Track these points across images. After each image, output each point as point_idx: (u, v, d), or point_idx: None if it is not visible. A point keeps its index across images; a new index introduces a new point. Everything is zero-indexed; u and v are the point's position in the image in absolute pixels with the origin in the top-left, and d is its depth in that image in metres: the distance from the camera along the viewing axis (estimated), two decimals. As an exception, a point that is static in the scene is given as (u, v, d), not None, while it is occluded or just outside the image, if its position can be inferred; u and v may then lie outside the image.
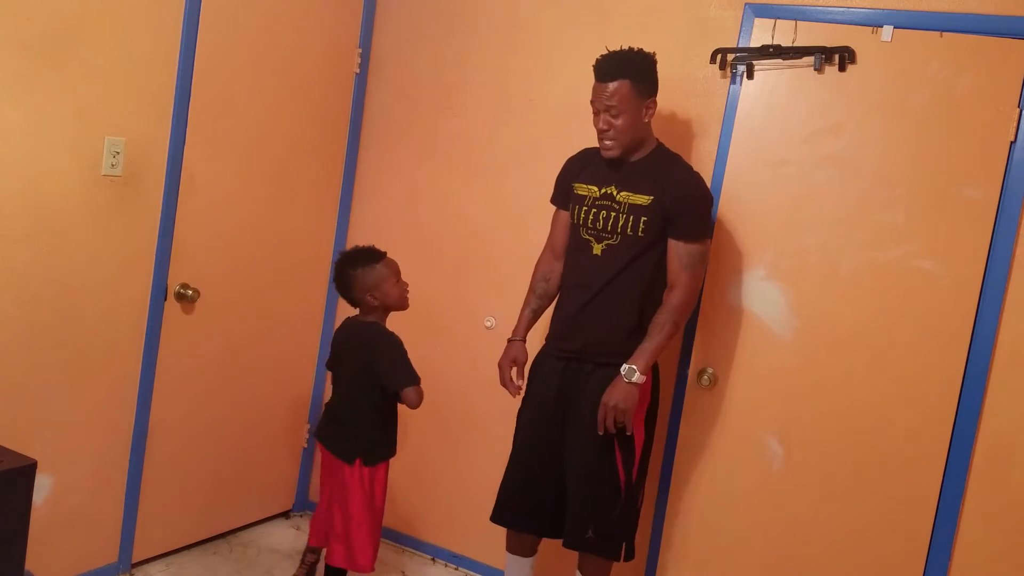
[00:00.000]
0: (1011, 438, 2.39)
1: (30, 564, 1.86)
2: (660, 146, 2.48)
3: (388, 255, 2.63)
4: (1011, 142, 2.36)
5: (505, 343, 2.64)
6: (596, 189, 2.46)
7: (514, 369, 2.59)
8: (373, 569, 2.61)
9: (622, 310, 2.41)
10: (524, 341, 2.61)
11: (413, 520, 3.34)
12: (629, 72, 2.34)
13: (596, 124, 2.42)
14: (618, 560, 2.47)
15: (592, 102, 2.42)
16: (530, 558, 2.67)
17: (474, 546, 3.17)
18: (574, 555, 2.59)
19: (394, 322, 3.21)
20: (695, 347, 2.72)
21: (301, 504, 3.50)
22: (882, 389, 2.51)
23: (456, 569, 3.23)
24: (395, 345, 2.56)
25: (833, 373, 2.56)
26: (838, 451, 2.56)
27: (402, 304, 2.62)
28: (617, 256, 2.40)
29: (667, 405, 2.83)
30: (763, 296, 2.63)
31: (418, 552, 3.31)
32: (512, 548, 2.67)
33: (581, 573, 2.56)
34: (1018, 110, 2.35)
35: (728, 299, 2.67)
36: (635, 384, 2.32)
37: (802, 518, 2.60)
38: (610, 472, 2.41)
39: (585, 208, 2.46)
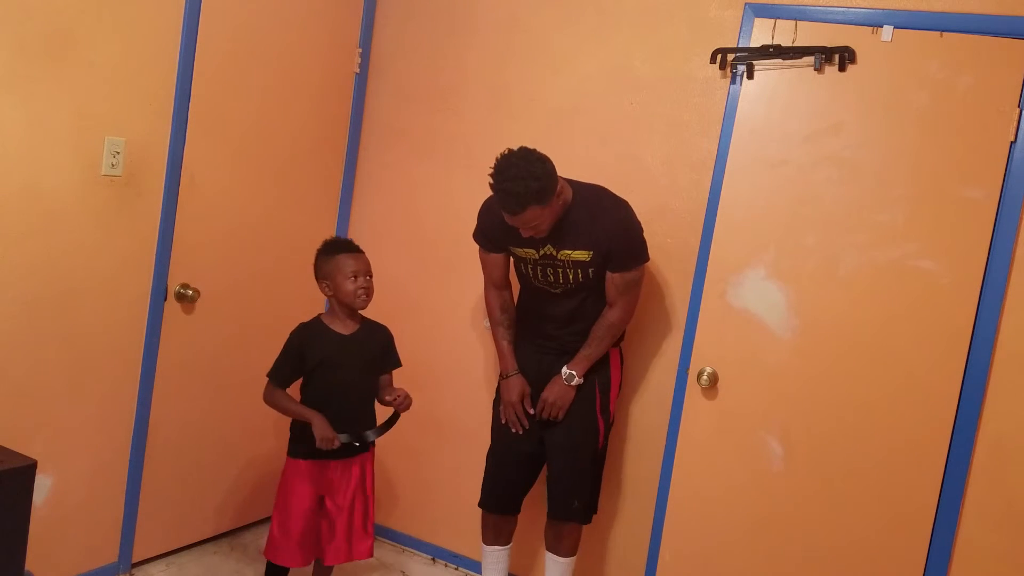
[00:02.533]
0: (1011, 438, 2.39)
1: (30, 564, 1.86)
2: (576, 191, 2.48)
3: (363, 254, 2.58)
4: (1011, 142, 2.36)
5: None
6: (534, 252, 2.53)
7: (524, 400, 2.66)
8: (278, 562, 2.56)
9: (592, 322, 2.61)
10: (520, 373, 2.67)
11: (413, 520, 3.34)
12: (531, 199, 2.30)
13: (522, 233, 2.42)
14: (585, 522, 2.71)
15: (509, 223, 2.41)
16: (507, 546, 2.79)
17: (474, 546, 3.17)
18: (538, 540, 2.78)
19: (394, 321, 3.21)
20: (695, 347, 2.72)
21: (301, 504, 3.50)
22: (882, 389, 2.50)
23: (456, 569, 3.23)
24: (287, 340, 2.58)
25: (833, 373, 2.56)
26: (838, 451, 2.55)
27: (351, 301, 2.53)
28: (575, 293, 2.58)
29: (667, 404, 2.83)
30: (763, 296, 2.62)
31: (418, 552, 3.31)
32: (490, 540, 2.78)
33: (553, 551, 2.71)
34: (1018, 110, 2.35)
35: (728, 299, 2.67)
36: (572, 386, 2.59)
37: (802, 517, 2.60)
38: (593, 446, 2.67)
39: (531, 266, 2.57)
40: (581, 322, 2.61)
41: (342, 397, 2.55)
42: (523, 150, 2.35)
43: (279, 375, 2.56)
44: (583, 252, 2.49)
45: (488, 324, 3.05)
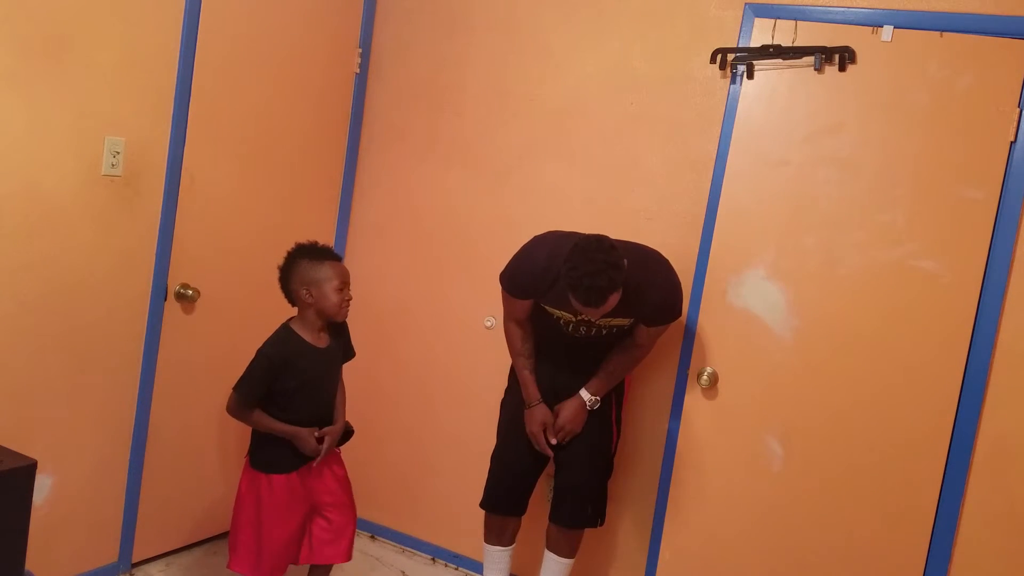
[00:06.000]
0: (1011, 438, 2.39)
1: (30, 564, 1.86)
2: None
3: (343, 264, 2.46)
4: (1011, 142, 2.36)
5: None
6: (571, 315, 2.46)
7: (547, 429, 2.61)
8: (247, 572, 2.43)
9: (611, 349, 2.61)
10: (542, 402, 2.62)
11: (413, 520, 3.34)
12: (615, 289, 2.19)
13: (590, 317, 2.33)
14: (595, 527, 2.71)
15: (579, 310, 2.30)
16: (510, 547, 2.77)
17: (474, 546, 3.17)
18: (539, 540, 2.77)
19: (393, 321, 3.20)
20: (695, 347, 2.72)
21: (301, 504, 3.50)
22: (882, 389, 2.50)
23: (456, 569, 3.23)
24: (257, 355, 2.37)
25: (833, 373, 2.56)
26: (838, 451, 2.55)
27: (336, 312, 2.40)
28: (605, 339, 2.56)
29: (667, 404, 2.83)
30: (763, 296, 2.62)
31: (418, 552, 3.31)
32: (492, 540, 2.76)
33: (556, 551, 2.70)
34: (1018, 110, 2.35)
35: (728, 299, 2.67)
36: (589, 409, 2.58)
37: (802, 517, 2.60)
38: (606, 453, 2.68)
39: (563, 322, 2.52)
40: (602, 353, 2.59)
41: (325, 410, 2.49)
42: (595, 240, 2.23)
43: (253, 394, 2.37)
44: (623, 320, 2.47)
45: (490, 324, 3.06)
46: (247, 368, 2.38)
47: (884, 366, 2.50)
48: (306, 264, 2.39)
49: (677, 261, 2.74)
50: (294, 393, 2.39)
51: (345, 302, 2.42)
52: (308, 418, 2.43)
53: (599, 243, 2.23)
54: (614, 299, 2.22)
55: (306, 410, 2.43)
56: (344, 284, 2.41)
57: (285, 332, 2.42)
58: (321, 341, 2.45)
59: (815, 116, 2.57)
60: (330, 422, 2.48)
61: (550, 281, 2.37)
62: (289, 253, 2.45)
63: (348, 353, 2.60)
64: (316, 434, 2.42)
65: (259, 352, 2.39)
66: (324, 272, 2.38)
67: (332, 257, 2.44)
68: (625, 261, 2.24)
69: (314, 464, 2.44)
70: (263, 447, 2.44)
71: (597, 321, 2.44)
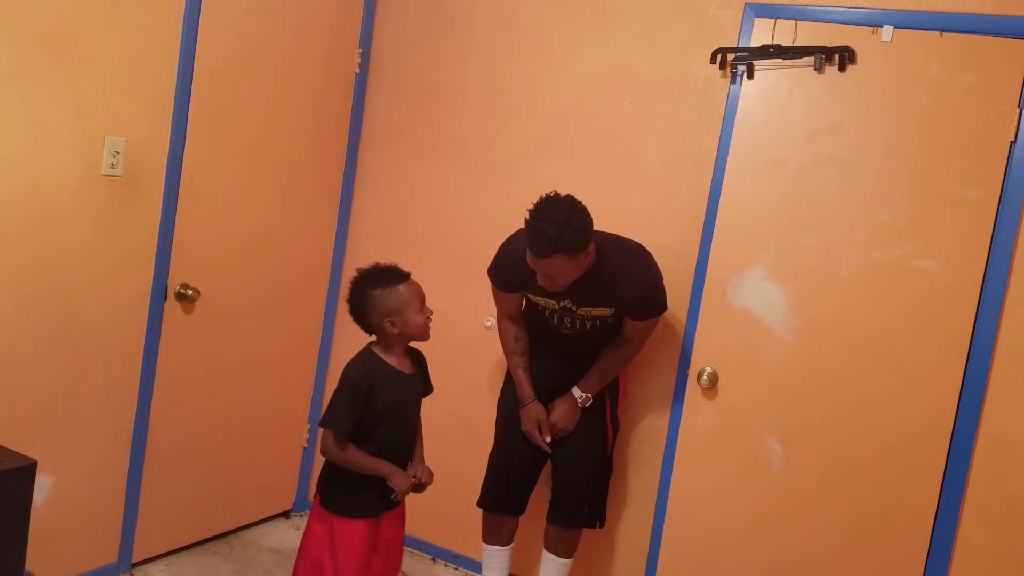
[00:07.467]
0: (1011, 438, 2.39)
1: (30, 564, 1.86)
2: (600, 251, 2.40)
3: (412, 276, 2.30)
4: (1011, 142, 2.36)
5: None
6: (554, 303, 2.52)
7: (541, 426, 2.62)
8: None
9: (603, 342, 2.63)
10: (536, 399, 2.64)
11: (413, 520, 3.33)
12: (562, 248, 2.22)
13: (538, 280, 2.36)
14: (593, 528, 2.71)
15: (530, 264, 2.32)
16: (508, 547, 2.78)
17: (474, 546, 3.17)
18: (538, 540, 2.78)
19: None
20: (695, 347, 2.72)
21: (301, 504, 3.50)
22: (882, 389, 2.50)
23: (456, 569, 3.23)
24: (344, 381, 2.22)
25: (833, 373, 2.56)
26: (838, 451, 2.56)
27: (423, 334, 2.27)
28: (591, 332, 2.58)
29: (667, 404, 2.83)
30: (763, 296, 2.62)
31: (418, 552, 3.31)
32: (490, 539, 2.78)
33: (554, 551, 2.71)
34: (1018, 110, 2.35)
35: (728, 299, 2.67)
36: (581, 406, 2.60)
37: (802, 518, 2.60)
38: (603, 453, 2.69)
39: (548, 312, 2.56)
40: (593, 348, 2.62)
41: (407, 442, 2.34)
42: (569, 197, 2.29)
43: (345, 425, 2.18)
44: (604, 309, 2.50)
45: (490, 324, 3.06)
46: (332, 397, 2.22)
47: (884, 366, 2.50)
48: (380, 293, 2.22)
49: (677, 261, 2.75)
50: (381, 419, 2.23)
51: (428, 320, 2.29)
52: (389, 453, 2.26)
53: (569, 202, 2.27)
54: (559, 261, 2.24)
55: (388, 441, 2.27)
56: (423, 302, 2.28)
57: (368, 354, 2.27)
58: (405, 367, 2.32)
59: (815, 116, 2.57)
60: (408, 456, 2.35)
61: (529, 271, 2.40)
62: (355, 283, 2.27)
63: (427, 387, 2.45)
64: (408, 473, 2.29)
65: (344, 376, 2.22)
66: (402, 297, 2.23)
67: (401, 278, 2.27)
68: (591, 233, 2.28)
69: (396, 500, 2.29)
70: (343, 486, 2.24)
71: (578, 311, 2.49)
